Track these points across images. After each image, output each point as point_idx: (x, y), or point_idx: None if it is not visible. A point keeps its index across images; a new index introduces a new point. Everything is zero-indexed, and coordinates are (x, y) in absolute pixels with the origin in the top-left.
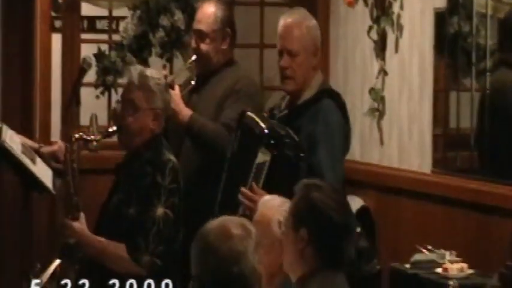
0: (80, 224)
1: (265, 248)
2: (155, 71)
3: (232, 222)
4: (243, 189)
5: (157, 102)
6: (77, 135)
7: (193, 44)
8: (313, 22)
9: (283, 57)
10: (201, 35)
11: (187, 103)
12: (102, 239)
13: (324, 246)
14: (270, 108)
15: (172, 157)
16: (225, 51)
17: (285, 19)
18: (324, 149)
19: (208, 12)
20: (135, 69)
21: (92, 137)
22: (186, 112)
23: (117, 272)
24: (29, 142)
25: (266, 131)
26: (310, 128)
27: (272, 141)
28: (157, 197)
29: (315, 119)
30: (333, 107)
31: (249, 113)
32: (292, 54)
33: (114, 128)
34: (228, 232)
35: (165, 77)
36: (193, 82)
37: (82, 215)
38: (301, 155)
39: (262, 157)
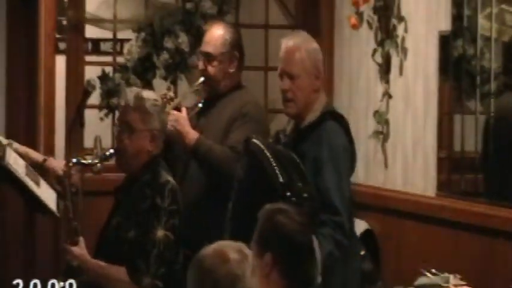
0: (80, 249)
1: None
2: (151, 92)
3: (228, 247)
4: None
5: (154, 123)
6: (74, 160)
7: (200, 66)
8: (313, 45)
9: (284, 80)
10: (208, 57)
11: (195, 126)
12: (103, 263)
13: (288, 269)
14: (276, 132)
15: (170, 178)
16: (233, 74)
17: (286, 42)
18: (329, 173)
19: (217, 34)
20: (131, 91)
21: (89, 161)
22: (192, 135)
23: None
24: (34, 154)
25: (281, 180)
26: (315, 151)
27: (289, 194)
28: (157, 219)
29: (320, 142)
30: (336, 129)
31: (255, 140)
32: (292, 77)
33: (111, 151)
34: (225, 256)
35: (172, 99)
36: (200, 104)
37: (81, 239)
38: (317, 206)
39: None
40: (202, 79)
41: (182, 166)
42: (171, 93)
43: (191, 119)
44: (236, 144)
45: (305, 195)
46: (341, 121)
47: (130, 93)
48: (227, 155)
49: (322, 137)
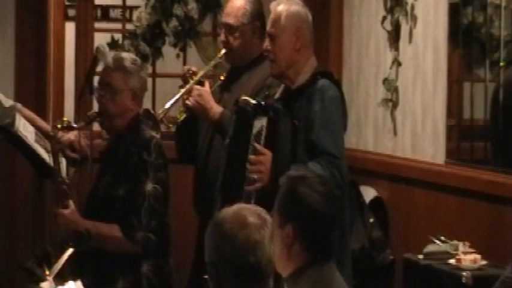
0: (71, 211)
1: None
2: (130, 54)
3: (247, 211)
4: (250, 157)
5: (134, 82)
6: (59, 125)
7: (222, 37)
8: (297, 7)
9: (266, 41)
10: (230, 29)
11: (219, 100)
12: (96, 222)
13: (311, 240)
14: (265, 95)
15: (154, 133)
16: (255, 45)
17: (272, 6)
18: (322, 124)
19: (237, 5)
20: (110, 53)
21: (75, 125)
22: (216, 109)
23: (113, 253)
24: (41, 122)
25: (254, 102)
26: (306, 109)
27: (263, 105)
28: (144, 173)
29: (312, 100)
30: (328, 84)
31: (244, 97)
32: (273, 38)
33: (95, 113)
34: (244, 220)
35: (194, 73)
36: (222, 77)
37: (71, 202)
38: (294, 121)
39: (258, 123)
40: (224, 51)
41: (207, 141)
42: (194, 68)
43: (213, 93)
44: None
45: (279, 106)
46: (332, 78)
47: (109, 55)
48: None
49: (314, 95)
